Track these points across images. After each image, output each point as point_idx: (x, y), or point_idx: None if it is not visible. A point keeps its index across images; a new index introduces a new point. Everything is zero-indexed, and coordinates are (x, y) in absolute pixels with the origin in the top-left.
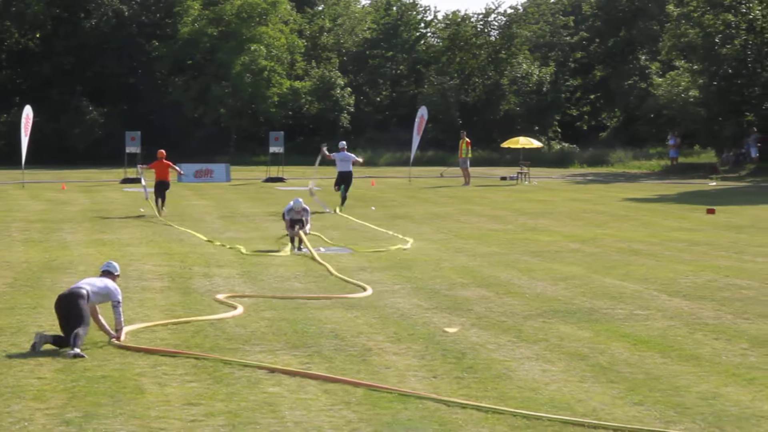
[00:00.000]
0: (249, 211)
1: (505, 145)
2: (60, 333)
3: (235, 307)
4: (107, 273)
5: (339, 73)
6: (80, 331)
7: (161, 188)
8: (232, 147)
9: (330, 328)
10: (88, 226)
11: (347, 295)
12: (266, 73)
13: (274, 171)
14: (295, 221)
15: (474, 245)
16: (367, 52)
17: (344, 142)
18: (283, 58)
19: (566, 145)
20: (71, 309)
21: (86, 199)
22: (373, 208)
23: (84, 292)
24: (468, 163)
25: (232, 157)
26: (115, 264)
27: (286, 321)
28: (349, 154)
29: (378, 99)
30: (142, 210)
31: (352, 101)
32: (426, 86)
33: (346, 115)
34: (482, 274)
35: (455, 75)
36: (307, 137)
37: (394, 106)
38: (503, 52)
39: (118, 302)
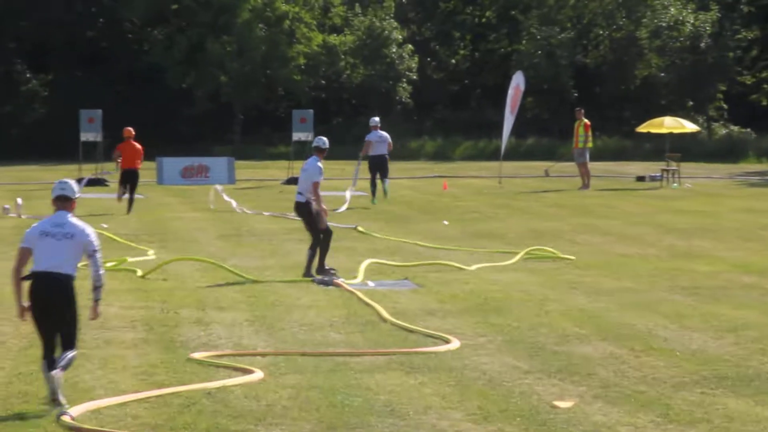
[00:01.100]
0: (262, 228)
1: (642, 129)
2: None
3: (245, 371)
4: (63, 200)
5: (395, 23)
6: (73, 352)
7: (128, 179)
8: (238, 133)
9: (384, 400)
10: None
11: (417, 349)
12: (287, 22)
13: (299, 166)
14: None
15: (596, 278)
16: None
17: (377, 118)
18: (312, 0)
19: (736, 129)
20: (60, 303)
21: (20, 211)
22: (445, 222)
23: (72, 271)
24: (587, 156)
25: (238, 147)
26: (70, 182)
27: (318, 390)
28: (385, 133)
29: (453, 61)
30: (104, 226)
31: (414, 64)
32: (524, 42)
33: (405, 85)
34: (609, 322)
35: (568, 25)
36: (347, 118)
37: (477, 71)
38: None
39: (95, 251)
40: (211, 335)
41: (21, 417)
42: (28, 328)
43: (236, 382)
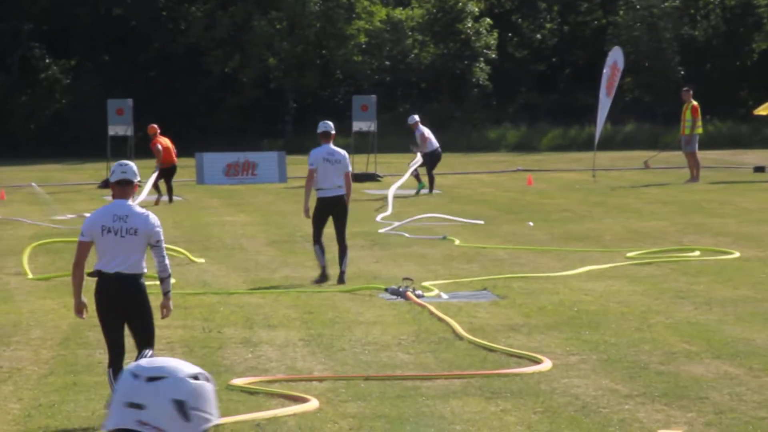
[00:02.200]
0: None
1: (761, 111)
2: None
3: (299, 399)
4: (125, 184)
5: None
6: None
7: (169, 176)
8: (289, 123)
9: (460, 430)
10: (45, 261)
11: (499, 371)
12: None
13: (360, 162)
14: None
15: (708, 286)
16: None
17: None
18: None
19: None
20: (135, 304)
21: (41, 216)
22: (530, 223)
23: (141, 269)
24: (696, 144)
25: (289, 140)
26: (131, 163)
27: (384, 419)
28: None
29: (538, 37)
30: None
31: (493, 41)
32: (622, 12)
33: (483, 65)
34: (723, 336)
35: None
36: (416, 103)
37: (566, 47)
38: None
39: (159, 240)
40: (260, 358)
41: None
42: (48, 353)
43: (289, 412)
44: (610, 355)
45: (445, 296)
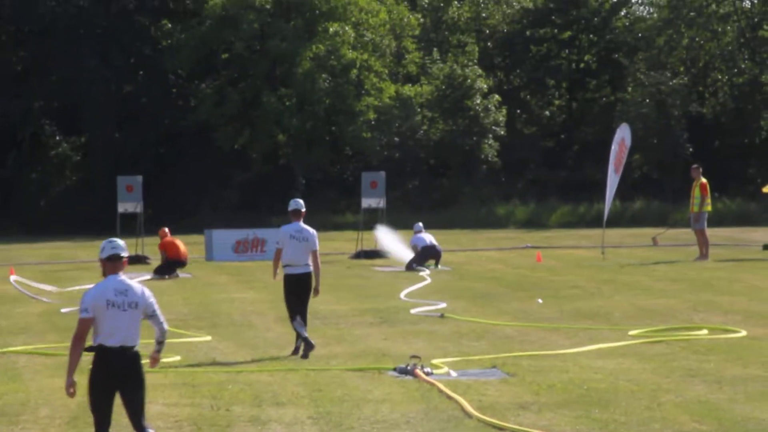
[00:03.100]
0: (328, 309)
1: None
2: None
3: None
4: (116, 260)
5: (480, 71)
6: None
7: (177, 267)
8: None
9: None
10: (53, 338)
11: None
12: (355, 72)
13: (369, 239)
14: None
15: (718, 364)
16: (527, 33)
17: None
18: (384, 45)
19: None
20: (135, 378)
21: (52, 291)
22: (539, 300)
23: (138, 342)
24: (705, 221)
25: None
26: (118, 240)
27: None
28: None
29: (547, 113)
30: None
31: (502, 117)
32: (630, 89)
33: (491, 141)
34: (734, 416)
35: (680, 69)
36: (425, 179)
37: (575, 124)
38: (766, 25)
39: (155, 310)
40: None
41: None
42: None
43: None
44: None
45: (454, 374)
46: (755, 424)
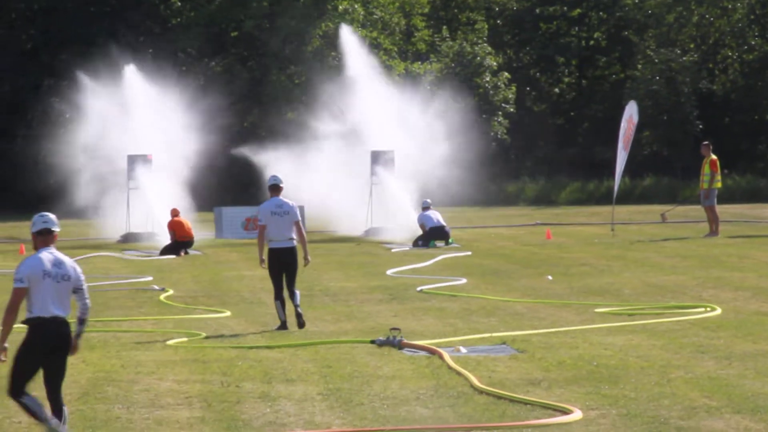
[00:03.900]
0: (338, 286)
1: None
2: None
3: None
4: (47, 234)
5: (489, 48)
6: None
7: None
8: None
9: None
10: None
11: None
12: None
13: (378, 217)
14: None
15: (728, 340)
16: (537, 11)
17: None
18: (393, 23)
19: None
20: (65, 350)
21: None
22: (549, 277)
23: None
24: (715, 198)
25: None
26: (51, 216)
27: None
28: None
29: (556, 91)
30: (156, 288)
31: (512, 95)
32: (640, 66)
33: (501, 119)
34: (744, 391)
35: (690, 46)
36: None
37: (584, 101)
38: None
39: (82, 283)
40: (279, 412)
41: None
42: (67, 407)
43: None
44: (630, 409)
45: (464, 350)
46: (765, 400)
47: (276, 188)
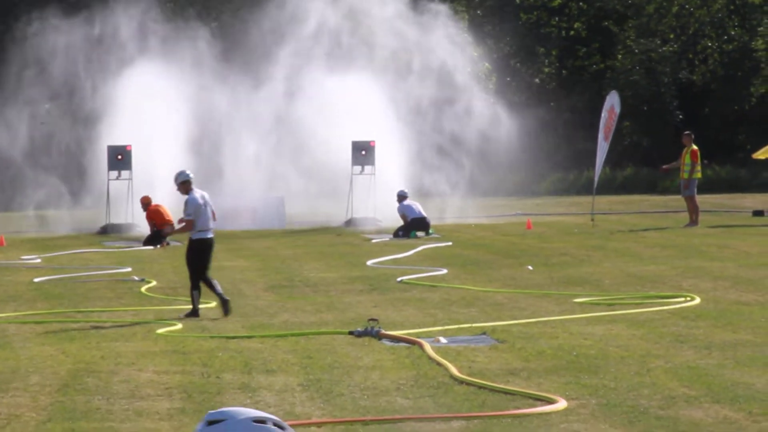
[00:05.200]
0: (318, 277)
1: (760, 155)
2: None
3: None
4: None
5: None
6: None
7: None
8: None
9: None
10: (42, 307)
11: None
12: None
13: (359, 205)
14: None
15: (707, 330)
16: (517, 1)
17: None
18: None
19: None
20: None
21: (40, 261)
22: (529, 267)
23: None
24: (695, 188)
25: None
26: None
27: None
28: None
29: (536, 81)
30: (136, 278)
31: (492, 86)
32: (620, 56)
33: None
34: (723, 381)
35: (670, 36)
36: None
37: (565, 92)
38: None
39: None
40: (259, 403)
41: None
42: (46, 399)
43: None
44: (610, 399)
45: (444, 340)
46: (744, 389)
47: (190, 182)
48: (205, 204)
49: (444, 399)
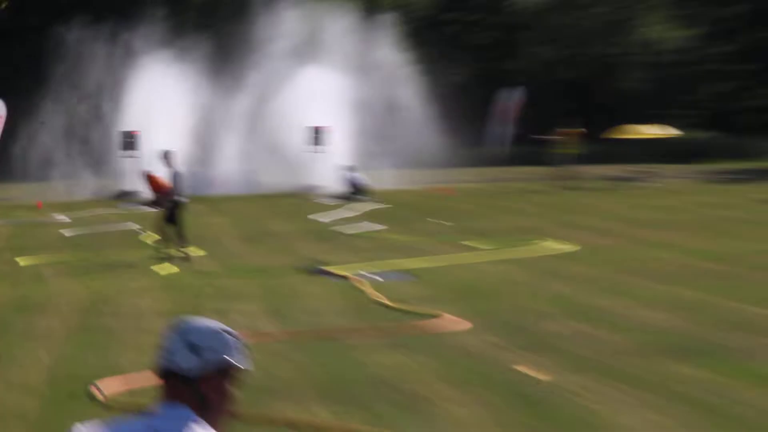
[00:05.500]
0: (278, 230)
1: (622, 135)
2: None
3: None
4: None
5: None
6: None
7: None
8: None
9: (377, 373)
10: (69, 252)
11: (425, 323)
12: None
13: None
14: None
15: (578, 268)
16: (441, 18)
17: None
18: None
19: (711, 134)
20: None
21: (70, 220)
22: (444, 222)
23: None
24: (573, 160)
25: None
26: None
27: (324, 366)
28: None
29: (458, 78)
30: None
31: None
32: (518, 59)
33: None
34: (581, 304)
35: (558, 43)
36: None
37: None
38: (626, 10)
39: None
40: (231, 322)
41: None
42: (73, 319)
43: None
44: (498, 318)
45: (377, 277)
46: (596, 311)
47: (171, 155)
48: (181, 175)
49: (372, 318)
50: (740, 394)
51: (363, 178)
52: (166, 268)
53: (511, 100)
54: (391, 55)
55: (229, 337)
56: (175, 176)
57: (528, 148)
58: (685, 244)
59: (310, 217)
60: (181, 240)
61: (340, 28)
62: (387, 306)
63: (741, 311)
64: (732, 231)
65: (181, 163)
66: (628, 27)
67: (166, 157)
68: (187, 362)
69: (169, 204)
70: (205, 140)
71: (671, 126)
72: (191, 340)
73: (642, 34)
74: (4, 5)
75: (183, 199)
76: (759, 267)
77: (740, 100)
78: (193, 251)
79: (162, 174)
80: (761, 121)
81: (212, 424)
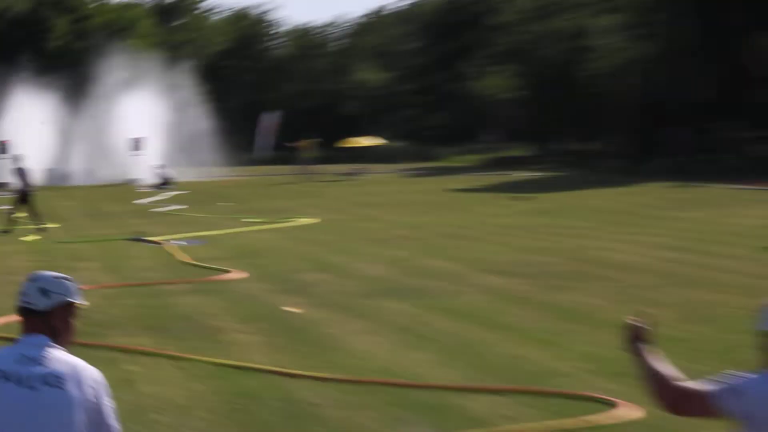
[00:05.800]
0: (108, 210)
1: (347, 144)
2: None
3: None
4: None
5: None
6: None
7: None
8: None
9: (185, 312)
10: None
11: (217, 277)
12: None
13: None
14: None
15: (316, 234)
16: (222, 63)
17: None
18: None
19: (405, 143)
20: None
21: None
22: (231, 204)
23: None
24: (311, 162)
25: None
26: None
27: (144, 307)
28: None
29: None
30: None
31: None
32: (274, 92)
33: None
34: (322, 260)
35: (300, 81)
36: None
37: (250, 110)
38: (345, 60)
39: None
40: (78, 277)
41: None
42: None
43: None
44: (269, 271)
45: (183, 242)
46: (334, 266)
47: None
48: (26, 171)
49: (181, 273)
50: (432, 321)
51: (170, 173)
52: (30, 237)
53: (271, 120)
54: (189, 87)
55: (70, 283)
56: (22, 172)
57: (283, 153)
58: (389, 217)
59: (134, 201)
60: (36, 216)
61: (154, 68)
62: (190, 264)
63: (429, 264)
64: (420, 209)
65: (31, 163)
66: (348, 70)
67: (16, 159)
68: (40, 303)
69: (22, 191)
70: (61, 146)
71: (380, 137)
72: (42, 286)
73: (357, 75)
74: None
75: (31, 189)
76: (439, 235)
77: (422, 121)
78: (50, 224)
79: (24, 170)
80: (438, 134)
81: (61, 348)
